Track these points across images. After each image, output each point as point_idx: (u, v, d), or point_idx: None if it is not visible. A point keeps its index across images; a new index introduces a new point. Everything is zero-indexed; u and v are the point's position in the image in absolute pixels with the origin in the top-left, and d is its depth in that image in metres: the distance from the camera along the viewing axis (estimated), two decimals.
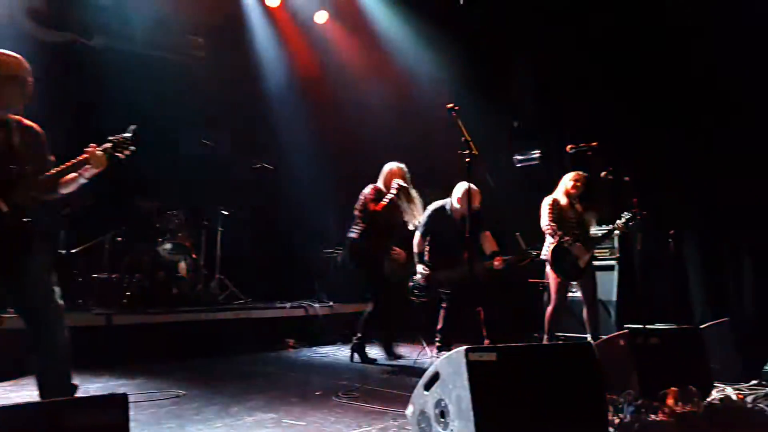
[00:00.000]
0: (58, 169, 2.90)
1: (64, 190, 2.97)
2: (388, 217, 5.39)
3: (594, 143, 5.43)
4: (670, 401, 3.02)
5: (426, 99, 8.31)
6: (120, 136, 2.96)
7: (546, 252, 5.35)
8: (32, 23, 7.08)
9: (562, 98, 7.52)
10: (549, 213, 5.33)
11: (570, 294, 5.70)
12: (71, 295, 5.93)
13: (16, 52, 2.97)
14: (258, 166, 7.60)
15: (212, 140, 7.34)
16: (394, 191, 5.35)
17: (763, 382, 4.05)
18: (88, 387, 4.14)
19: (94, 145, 2.93)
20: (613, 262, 6.25)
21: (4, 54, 2.91)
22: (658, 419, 2.96)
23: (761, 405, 3.46)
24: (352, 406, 3.67)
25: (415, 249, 5.68)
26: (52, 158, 3.02)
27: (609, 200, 6.40)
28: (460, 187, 5.54)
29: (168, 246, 6.38)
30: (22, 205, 2.83)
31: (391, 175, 5.49)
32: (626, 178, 5.40)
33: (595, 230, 5.61)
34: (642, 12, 6.52)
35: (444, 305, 5.64)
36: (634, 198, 5.30)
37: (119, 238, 6.28)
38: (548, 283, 5.49)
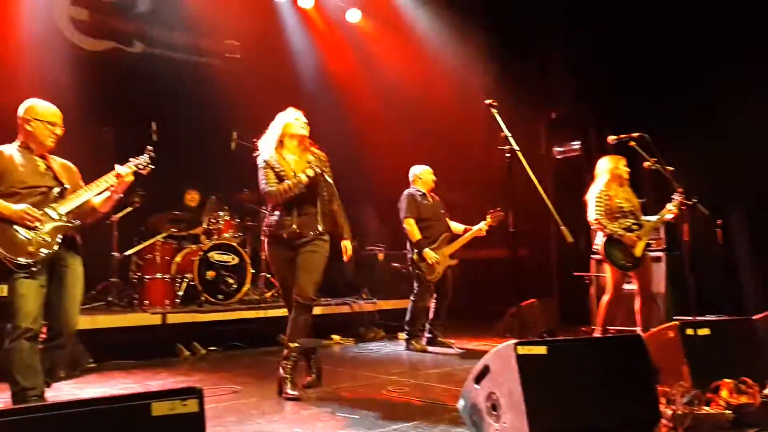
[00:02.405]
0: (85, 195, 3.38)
1: (104, 209, 3.51)
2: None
3: (637, 134, 5.34)
4: (724, 393, 3.00)
5: (460, 93, 8.30)
6: (140, 157, 3.59)
7: (598, 245, 5.18)
8: (76, 33, 7.35)
9: (601, 88, 7.44)
10: (596, 206, 5.14)
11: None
12: (128, 294, 6.20)
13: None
14: None
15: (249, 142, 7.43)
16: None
17: None
18: (150, 383, 4.33)
19: (118, 165, 3.49)
20: (660, 254, 6.15)
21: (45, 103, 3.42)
22: (712, 411, 2.95)
23: None
24: (403, 400, 3.75)
25: (413, 237, 5.66)
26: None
27: (654, 191, 6.32)
28: (417, 168, 5.92)
29: (215, 246, 6.55)
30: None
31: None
32: (671, 168, 5.33)
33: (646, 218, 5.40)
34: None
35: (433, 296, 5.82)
36: (679, 188, 5.22)
37: (170, 240, 6.48)
38: (594, 276, 5.45)
